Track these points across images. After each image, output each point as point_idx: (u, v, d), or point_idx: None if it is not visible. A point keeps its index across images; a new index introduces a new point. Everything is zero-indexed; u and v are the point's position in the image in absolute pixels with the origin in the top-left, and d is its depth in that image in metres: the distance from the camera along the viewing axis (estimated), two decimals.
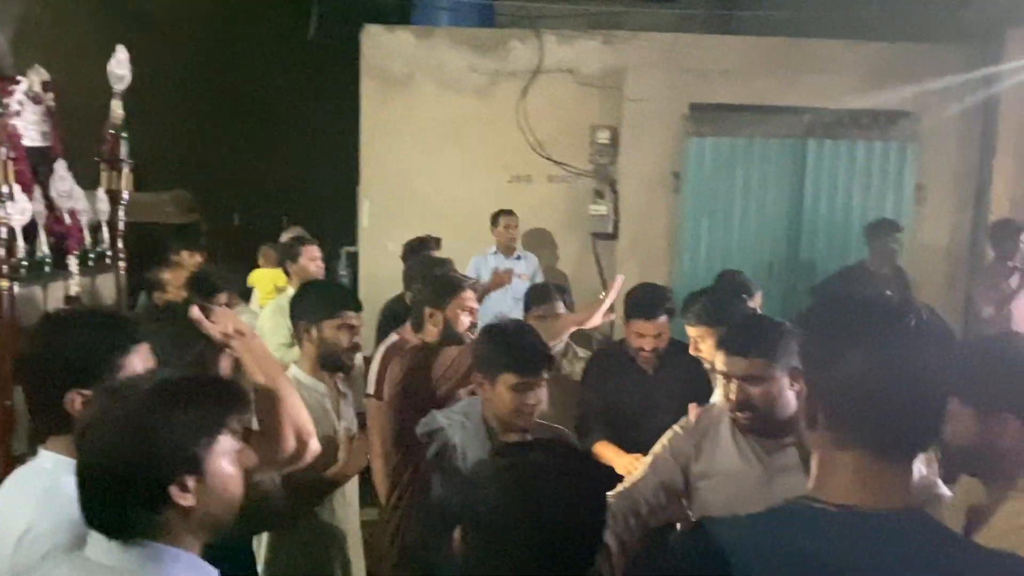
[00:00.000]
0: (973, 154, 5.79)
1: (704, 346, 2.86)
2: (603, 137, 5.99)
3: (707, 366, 2.85)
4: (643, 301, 3.09)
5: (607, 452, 3.02)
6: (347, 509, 2.54)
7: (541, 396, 2.19)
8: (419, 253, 4.67)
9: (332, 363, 2.53)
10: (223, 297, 3.70)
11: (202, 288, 3.75)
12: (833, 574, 1.01)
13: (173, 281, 3.96)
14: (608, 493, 2.41)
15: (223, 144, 8.68)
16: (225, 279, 3.85)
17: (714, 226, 5.86)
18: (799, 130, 5.77)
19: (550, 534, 1.14)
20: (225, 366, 1.94)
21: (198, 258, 5.28)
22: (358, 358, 3.44)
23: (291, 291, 4.29)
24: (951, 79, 5.53)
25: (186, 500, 1.26)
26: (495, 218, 5.68)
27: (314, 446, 1.90)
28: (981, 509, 1.68)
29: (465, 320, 3.02)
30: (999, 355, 1.63)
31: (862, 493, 1.06)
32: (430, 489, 2.28)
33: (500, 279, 5.34)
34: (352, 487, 2.59)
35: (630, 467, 2.83)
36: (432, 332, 3.01)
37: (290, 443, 1.83)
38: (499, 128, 6.09)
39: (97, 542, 1.25)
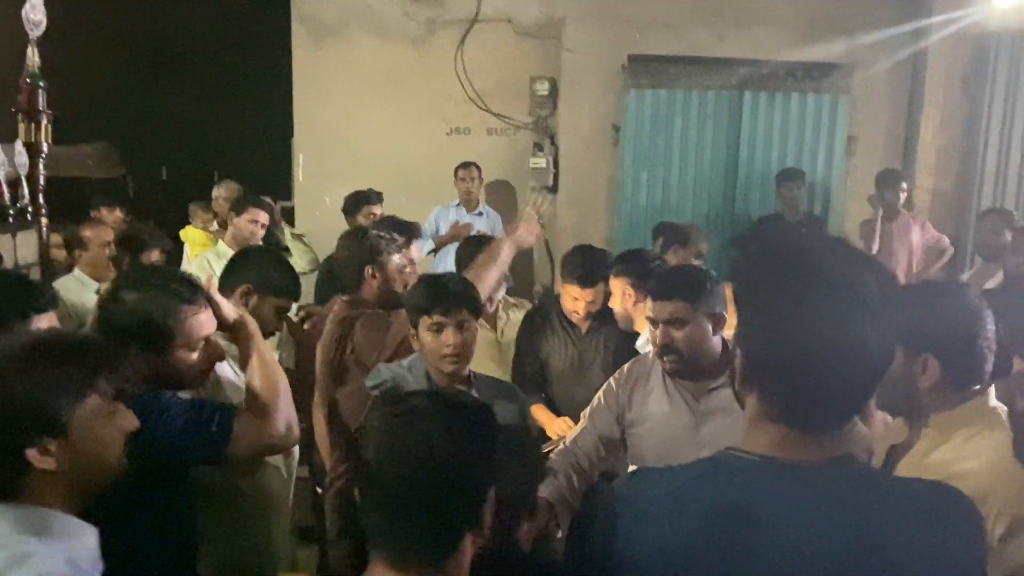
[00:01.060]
0: (902, 106, 5.93)
1: (614, 301, 2.94)
2: (542, 89, 5.93)
3: (620, 324, 2.94)
4: (579, 266, 3.04)
5: (540, 415, 3.07)
6: (275, 469, 2.49)
7: (463, 339, 2.16)
8: (360, 207, 4.60)
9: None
10: (153, 254, 3.58)
11: (130, 245, 3.63)
12: (761, 522, 1.02)
13: (95, 239, 3.80)
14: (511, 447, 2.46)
15: (148, 94, 8.31)
16: (154, 235, 3.73)
17: (653, 178, 5.90)
18: (735, 82, 5.82)
19: (426, 484, 1.11)
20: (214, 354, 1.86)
21: (119, 214, 5.10)
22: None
23: (222, 245, 4.19)
24: (882, 32, 5.63)
25: (46, 464, 1.22)
26: (455, 170, 5.62)
27: (296, 434, 1.87)
28: (900, 447, 1.77)
29: (402, 280, 2.98)
30: (932, 300, 1.69)
31: (788, 451, 1.07)
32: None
33: (458, 232, 5.32)
34: None
35: (561, 431, 2.90)
36: (372, 291, 2.99)
37: (280, 428, 1.79)
38: (436, 79, 5.97)
39: None
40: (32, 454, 1.21)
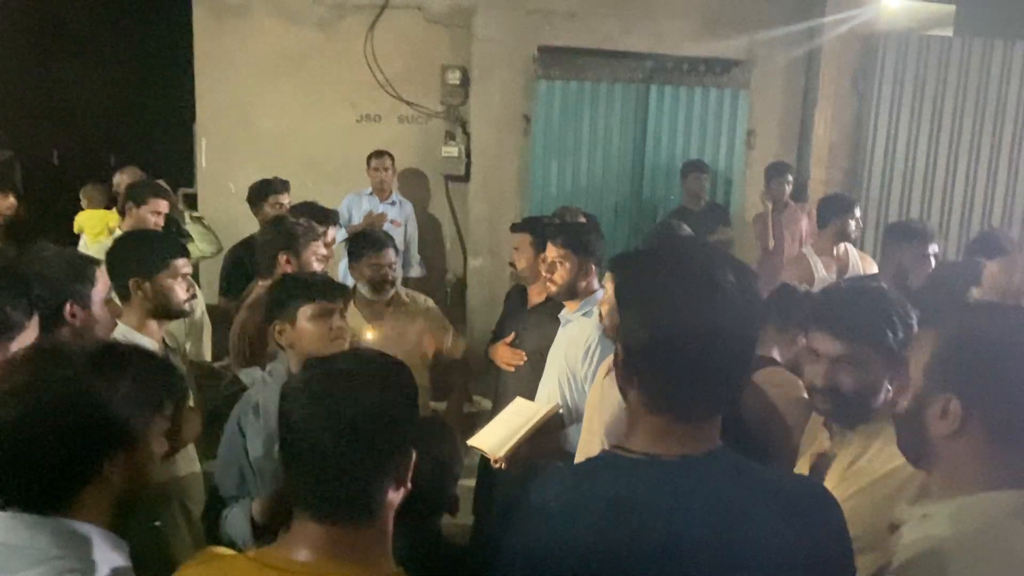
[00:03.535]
0: (797, 102, 6.19)
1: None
2: (453, 77, 5.92)
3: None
4: (518, 222, 3.55)
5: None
6: (190, 464, 2.45)
7: (344, 324, 2.27)
8: (265, 196, 4.47)
9: (171, 313, 2.44)
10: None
11: (16, 236, 3.46)
12: (643, 517, 1.08)
13: None
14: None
15: (39, 72, 7.86)
16: (39, 226, 3.55)
17: (563, 168, 5.99)
18: (642, 75, 5.96)
19: (357, 438, 1.13)
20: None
21: (11, 200, 4.82)
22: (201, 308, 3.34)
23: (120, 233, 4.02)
24: (779, 30, 5.87)
25: (115, 476, 1.20)
26: (368, 159, 5.55)
27: None
28: (824, 456, 1.84)
29: (317, 268, 3.08)
30: (861, 292, 1.81)
31: (668, 446, 1.13)
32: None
33: (371, 222, 5.25)
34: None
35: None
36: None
37: None
38: (346, 64, 5.88)
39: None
40: (108, 466, 1.19)
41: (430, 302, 3.40)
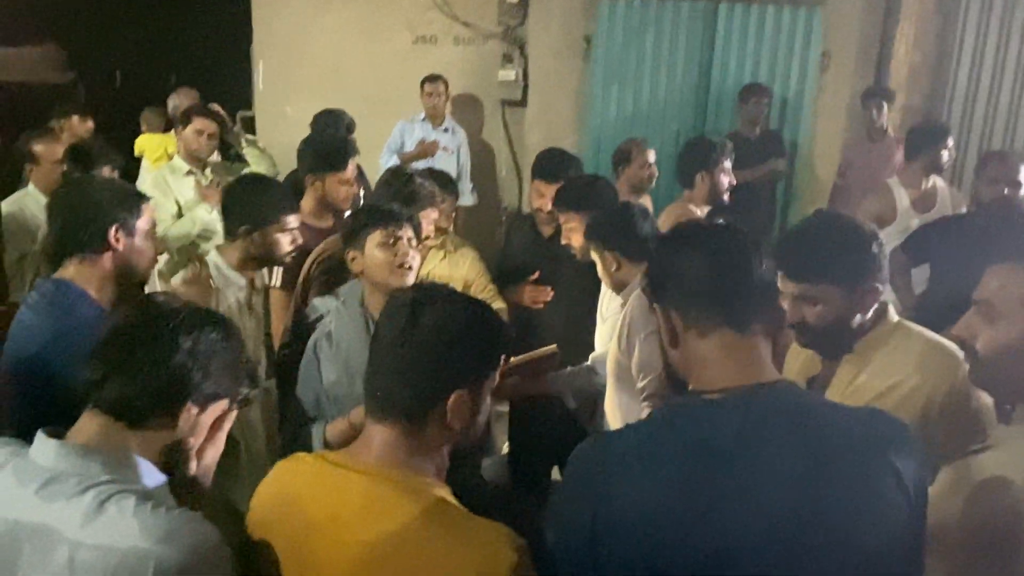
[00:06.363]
0: (877, 21, 5.81)
1: (573, 234, 2.89)
2: None
3: (574, 253, 2.91)
4: (547, 164, 3.26)
5: None
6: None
7: (415, 252, 2.27)
8: (326, 126, 4.41)
9: (271, 262, 2.55)
10: (105, 171, 3.46)
11: (82, 161, 3.51)
12: (725, 449, 1.10)
13: (47, 155, 3.61)
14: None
15: None
16: (105, 150, 3.59)
17: (624, 93, 5.78)
18: None
19: (423, 342, 1.24)
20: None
21: (90, 124, 4.81)
22: None
23: (177, 160, 4.09)
24: None
25: (183, 422, 1.26)
26: (421, 84, 5.46)
27: None
28: (818, 378, 1.88)
29: (342, 191, 3.17)
30: (811, 230, 1.84)
31: (733, 372, 1.16)
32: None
33: (424, 150, 5.21)
34: None
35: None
36: (308, 202, 3.19)
37: None
38: None
39: (46, 446, 1.20)
40: (188, 406, 1.25)
41: (478, 262, 3.25)
